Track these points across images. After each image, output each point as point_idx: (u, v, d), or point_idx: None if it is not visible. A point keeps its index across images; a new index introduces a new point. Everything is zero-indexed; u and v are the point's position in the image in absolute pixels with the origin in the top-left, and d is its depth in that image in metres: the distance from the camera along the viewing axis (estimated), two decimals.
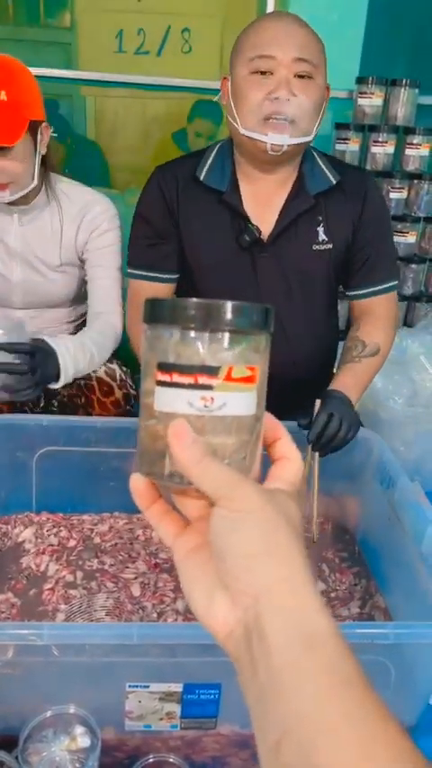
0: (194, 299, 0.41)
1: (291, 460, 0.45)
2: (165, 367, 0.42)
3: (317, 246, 1.34)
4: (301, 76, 1.19)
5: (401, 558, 1.14)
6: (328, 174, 1.33)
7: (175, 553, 0.44)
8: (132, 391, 1.51)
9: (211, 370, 0.41)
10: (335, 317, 1.51)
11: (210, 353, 0.41)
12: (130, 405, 1.49)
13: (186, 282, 1.42)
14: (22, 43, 2.98)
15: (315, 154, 1.36)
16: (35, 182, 1.42)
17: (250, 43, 1.20)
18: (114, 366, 1.49)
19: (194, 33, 2.70)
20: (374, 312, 1.39)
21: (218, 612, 0.39)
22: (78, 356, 1.38)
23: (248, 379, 0.42)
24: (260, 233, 1.31)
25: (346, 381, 1.29)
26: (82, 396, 1.41)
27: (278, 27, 1.19)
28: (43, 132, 1.42)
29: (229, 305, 0.41)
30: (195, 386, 0.41)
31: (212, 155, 1.35)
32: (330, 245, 1.34)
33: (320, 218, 1.33)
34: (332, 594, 1.23)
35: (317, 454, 1.24)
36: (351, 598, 1.22)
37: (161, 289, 1.40)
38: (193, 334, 0.41)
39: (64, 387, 1.42)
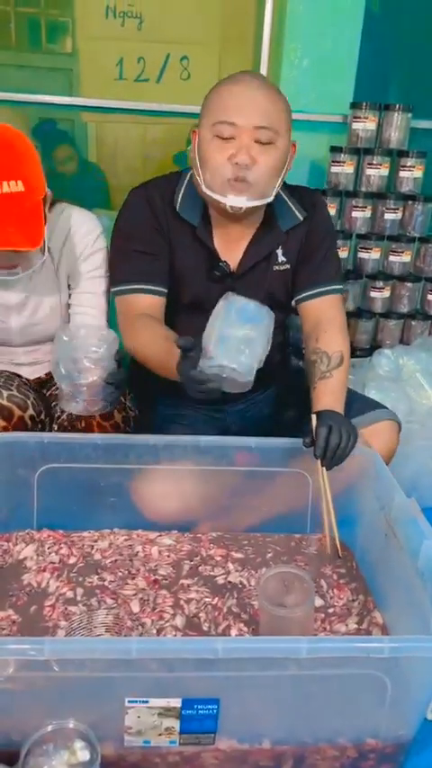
0: None
1: None
2: None
3: (276, 267, 1.45)
4: (261, 142, 1.24)
5: (399, 574, 1.15)
6: (296, 211, 1.44)
7: None
8: (131, 413, 1.51)
9: None
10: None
11: None
12: (130, 427, 1.49)
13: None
14: (24, 69, 3.04)
15: (282, 193, 1.41)
16: (45, 255, 1.36)
17: (215, 107, 1.26)
18: None
19: (193, 61, 2.76)
20: (325, 317, 1.43)
21: None
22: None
23: None
24: (230, 268, 1.41)
25: (326, 401, 1.32)
26: (82, 419, 1.41)
27: (242, 93, 1.24)
28: (47, 201, 1.31)
29: None
30: None
31: (184, 184, 1.39)
32: (288, 266, 1.46)
33: (278, 243, 1.43)
34: (330, 610, 1.24)
35: (324, 470, 1.26)
36: (349, 614, 1.23)
37: (156, 302, 1.37)
38: None
39: (63, 410, 1.41)
